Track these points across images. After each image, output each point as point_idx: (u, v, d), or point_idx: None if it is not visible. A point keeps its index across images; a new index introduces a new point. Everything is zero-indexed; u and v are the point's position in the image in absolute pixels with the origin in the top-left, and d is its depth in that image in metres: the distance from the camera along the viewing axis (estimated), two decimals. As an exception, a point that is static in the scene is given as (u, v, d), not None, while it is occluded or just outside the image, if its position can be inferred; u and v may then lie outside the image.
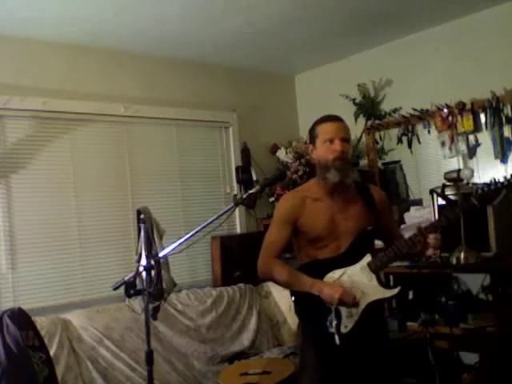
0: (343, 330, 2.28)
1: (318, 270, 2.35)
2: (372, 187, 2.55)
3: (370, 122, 4.39)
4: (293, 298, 2.41)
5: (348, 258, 2.35)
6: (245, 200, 2.31)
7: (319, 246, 2.38)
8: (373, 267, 2.33)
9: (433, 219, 3.38)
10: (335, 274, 2.33)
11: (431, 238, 2.28)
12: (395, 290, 2.34)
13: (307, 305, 2.36)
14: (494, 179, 3.42)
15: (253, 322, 3.94)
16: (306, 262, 2.40)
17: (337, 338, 2.26)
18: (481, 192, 2.24)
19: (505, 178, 2.22)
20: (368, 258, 2.34)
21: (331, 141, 2.33)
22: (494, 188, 2.22)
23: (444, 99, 3.85)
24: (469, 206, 2.27)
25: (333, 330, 2.27)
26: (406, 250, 2.32)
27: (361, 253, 2.36)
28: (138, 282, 2.26)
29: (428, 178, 4.09)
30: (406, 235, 2.40)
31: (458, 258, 3.28)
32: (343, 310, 2.29)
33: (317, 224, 2.36)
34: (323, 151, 2.36)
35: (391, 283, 2.41)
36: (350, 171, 2.39)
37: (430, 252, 2.34)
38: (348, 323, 2.29)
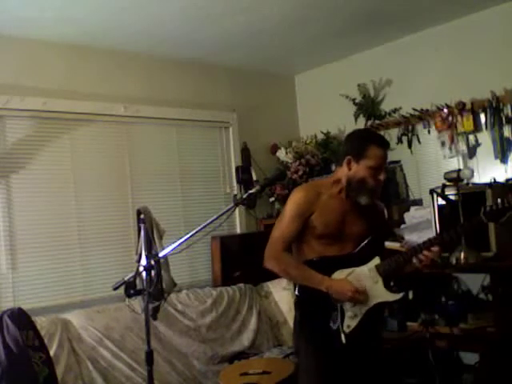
0: (346, 329, 2.30)
1: (326, 266, 2.36)
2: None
3: (370, 122, 4.39)
4: (296, 292, 2.42)
5: (356, 259, 2.39)
6: (245, 200, 2.31)
7: (325, 243, 2.40)
8: (381, 270, 2.36)
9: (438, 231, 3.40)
10: (343, 272, 2.36)
11: (433, 251, 2.31)
12: (399, 295, 2.37)
13: (312, 300, 2.38)
14: (494, 179, 3.44)
15: (253, 322, 3.94)
16: (313, 258, 2.40)
17: (343, 336, 2.29)
18: (489, 210, 2.24)
19: None
20: (377, 260, 2.37)
21: (377, 169, 2.33)
22: (501, 207, 2.23)
23: (444, 99, 3.85)
24: (476, 223, 2.28)
25: (335, 327, 2.30)
26: (412, 257, 2.34)
27: (368, 255, 2.39)
28: (138, 281, 2.26)
29: (428, 178, 4.09)
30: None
31: (458, 258, 3.28)
32: (348, 310, 2.32)
33: (328, 221, 2.38)
34: (365, 174, 2.33)
35: (395, 288, 2.42)
36: (377, 196, 2.43)
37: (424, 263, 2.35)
38: (351, 323, 2.31)
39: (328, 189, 2.43)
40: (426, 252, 2.31)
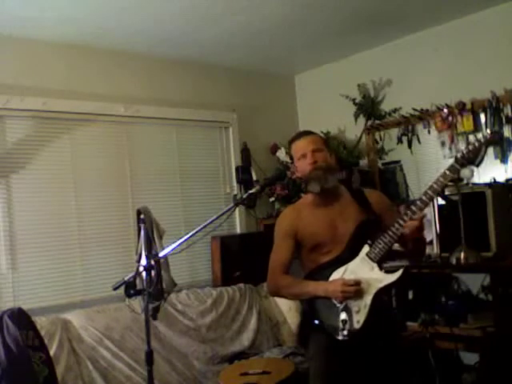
0: (356, 325, 2.29)
1: (323, 273, 2.39)
2: (367, 190, 2.58)
3: (370, 122, 4.40)
4: (316, 322, 2.41)
5: (350, 255, 2.38)
6: (245, 200, 2.32)
7: (323, 252, 2.42)
8: (372, 256, 2.34)
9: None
10: (338, 272, 2.37)
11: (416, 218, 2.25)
12: (399, 273, 2.32)
13: (320, 315, 2.39)
14: (494, 179, 3.44)
15: (253, 322, 3.94)
16: (311, 269, 2.44)
17: (346, 331, 2.28)
18: (461, 155, 2.18)
19: (483, 136, 2.18)
20: (366, 248, 2.36)
21: (304, 156, 2.44)
22: (473, 149, 2.16)
23: (444, 99, 3.85)
24: (454, 171, 2.19)
25: (346, 329, 2.29)
26: (399, 230, 2.27)
27: (361, 246, 2.38)
28: (138, 281, 2.26)
29: (428, 178, 4.07)
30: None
31: (458, 258, 3.28)
32: (352, 306, 2.31)
33: (316, 231, 2.42)
34: (301, 167, 2.48)
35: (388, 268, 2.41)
36: (328, 176, 2.41)
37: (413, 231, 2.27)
38: (359, 317, 2.30)
39: (307, 203, 2.52)
40: (405, 217, 2.25)
